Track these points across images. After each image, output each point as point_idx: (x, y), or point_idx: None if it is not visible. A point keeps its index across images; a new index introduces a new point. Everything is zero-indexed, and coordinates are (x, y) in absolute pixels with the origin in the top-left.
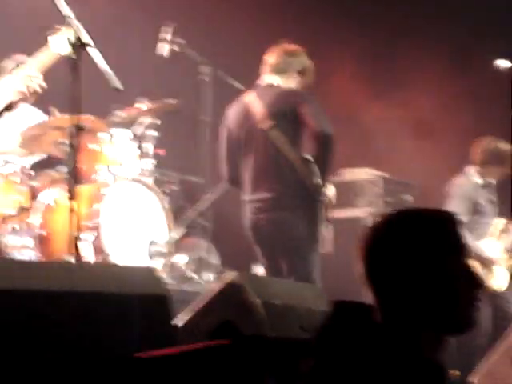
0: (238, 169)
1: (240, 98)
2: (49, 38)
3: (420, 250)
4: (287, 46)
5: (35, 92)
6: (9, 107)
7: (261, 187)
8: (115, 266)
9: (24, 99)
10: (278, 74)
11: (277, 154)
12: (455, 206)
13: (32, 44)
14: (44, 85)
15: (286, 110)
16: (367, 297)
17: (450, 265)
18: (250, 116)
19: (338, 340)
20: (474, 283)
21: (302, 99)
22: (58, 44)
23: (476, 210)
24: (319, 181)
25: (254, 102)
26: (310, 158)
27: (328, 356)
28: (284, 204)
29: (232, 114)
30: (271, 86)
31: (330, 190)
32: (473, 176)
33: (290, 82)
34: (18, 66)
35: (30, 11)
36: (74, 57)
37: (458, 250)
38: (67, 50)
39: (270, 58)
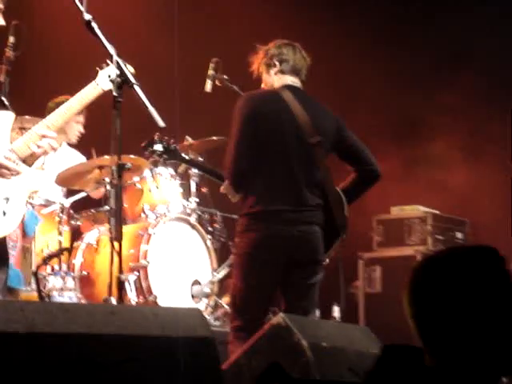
0: (251, 163)
1: (268, 91)
2: (99, 71)
3: (467, 289)
4: (296, 44)
5: (45, 152)
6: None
7: (304, 199)
8: (159, 307)
9: (34, 157)
10: (296, 75)
11: (316, 173)
12: None
13: (79, 86)
14: (56, 146)
15: (331, 131)
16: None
17: (499, 303)
18: (293, 119)
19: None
20: None
21: (342, 122)
22: (105, 79)
23: None
24: (347, 214)
25: (295, 104)
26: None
27: None
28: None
29: (267, 104)
30: (299, 89)
31: None
32: None
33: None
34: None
35: (78, 52)
36: (117, 95)
37: (506, 288)
38: (111, 86)
39: (288, 53)
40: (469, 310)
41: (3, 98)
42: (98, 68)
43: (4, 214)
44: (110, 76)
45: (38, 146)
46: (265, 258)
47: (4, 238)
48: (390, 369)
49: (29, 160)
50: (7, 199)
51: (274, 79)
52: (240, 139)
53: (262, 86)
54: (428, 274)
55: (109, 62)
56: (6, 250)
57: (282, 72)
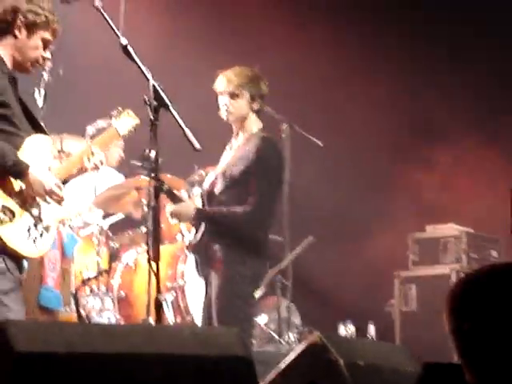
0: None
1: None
2: (113, 120)
3: (508, 307)
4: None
5: (96, 167)
6: (65, 181)
7: None
8: (197, 327)
9: (81, 173)
10: None
11: None
12: None
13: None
14: (104, 162)
15: None
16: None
17: None
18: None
19: None
20: None
21: None
22: (120, 126)
23: None
24: None
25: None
26: None
27: None
28: None
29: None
30: None
31: None
32: None
33: None
34: (98, 131)
35: (113, 76)
36: (154, 117)
37: None
38: (127, 131)
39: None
40: (510, 329)
41: (42, 123)
42: (111, 114)
43: (41, 235)
44: (146, 101)
45: (89, 161)
46: None
47: (41, 259)
48: None
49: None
50: (43, 222)
51: (251, 118)
52: (270, 192)
53: (227, 107)
54: (469, 291)
55: (120, 109)
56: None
57: (258, 112)
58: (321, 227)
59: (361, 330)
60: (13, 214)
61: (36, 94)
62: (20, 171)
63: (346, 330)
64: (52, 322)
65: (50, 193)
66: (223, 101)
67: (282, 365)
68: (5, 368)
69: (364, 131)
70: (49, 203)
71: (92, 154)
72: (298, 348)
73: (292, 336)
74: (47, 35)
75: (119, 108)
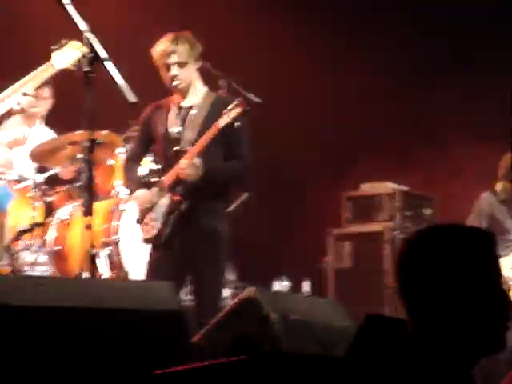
0: None
1: None
2: (52, 53)
3: (454, 267)
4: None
5: (22, 110)
6: None
7: None
8: (131, 281)
9: (8, 116)
10: None
11: None
12: (473, 221)
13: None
14: (35, 107)
15: None
16: (387, 310)
17: (483, 283)
18: None
19: (369, 353)
20: (507, 303)
21: None
22: (61, 59)
23: (496, 226)
24: None
25: None
26: None
27: (360, 369)
28: None
29: None
30: None
31: None
32: (495, 192)
33: None
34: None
35: (46, 25)
36: (89, 70)
37: (491, 269)
38: (67, 65)
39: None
40: (453, 287)
41: None
42: (52, 47)
43: None
44: (81, 53)
45: (18, 103)
46: None
47: None
48: (372, 338)
49: None
50: None
51: (197, 77)
52: None
53: (177, 77)
54: (417, 249)
55: (65, 40)
56: None
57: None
58: (255, 184)
59: (296, 287)
60: None
61: None
62: None
63: (281, 286)
64: None
65: None
66: (171, 71)
67: (216, 319)
68: None
69: (303, 92)
70: None
71: (23, 94)
72: (232, 303)
73: (227, 292)
74: None
75: (64, 40)
